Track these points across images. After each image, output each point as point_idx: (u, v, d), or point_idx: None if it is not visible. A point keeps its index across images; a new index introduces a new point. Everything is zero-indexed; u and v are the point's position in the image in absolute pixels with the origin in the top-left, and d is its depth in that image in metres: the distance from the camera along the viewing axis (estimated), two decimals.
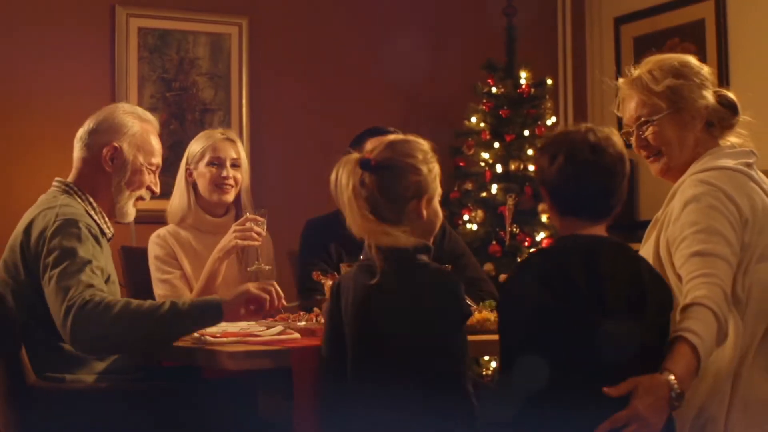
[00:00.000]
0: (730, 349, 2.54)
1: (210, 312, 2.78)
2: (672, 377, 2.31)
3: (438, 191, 2.55)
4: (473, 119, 5.64)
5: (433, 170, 2.52)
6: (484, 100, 5.64)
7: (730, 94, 2.81)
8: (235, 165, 3.78)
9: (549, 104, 5.70)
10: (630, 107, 2.82)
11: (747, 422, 2.54)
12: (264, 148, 5.51)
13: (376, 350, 2.44)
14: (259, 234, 3.58)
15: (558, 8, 6.43)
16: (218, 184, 3.74)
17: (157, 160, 3.23)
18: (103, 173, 3.15)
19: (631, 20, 6.24)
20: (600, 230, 2.48)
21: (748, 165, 2.72)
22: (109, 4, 5.24)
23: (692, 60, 2.83)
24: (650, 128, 2.77)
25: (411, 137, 2.56)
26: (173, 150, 5.20)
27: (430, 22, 6.00)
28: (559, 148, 2.44)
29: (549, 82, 5.72)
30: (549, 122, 5.64)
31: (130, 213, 3.21)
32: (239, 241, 3.55)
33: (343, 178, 2.49)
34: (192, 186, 3.80)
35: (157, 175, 3.25)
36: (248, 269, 3.64)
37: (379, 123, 5.59)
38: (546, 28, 6.38)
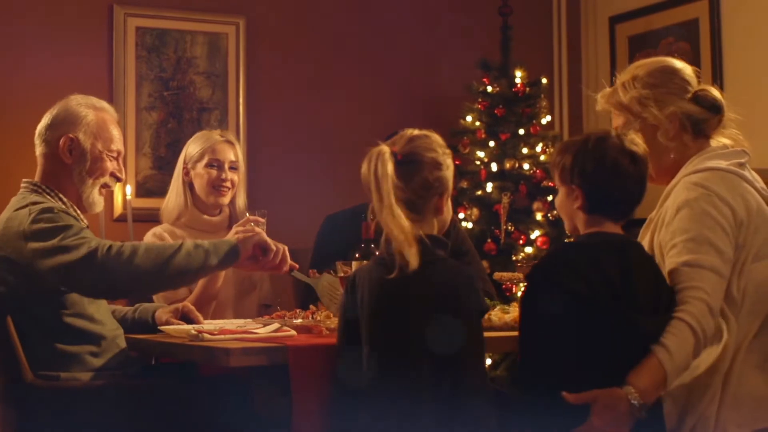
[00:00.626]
0: (724, 348, 2.57)
1: (229, 250, 2.90)
2: (632, 389, 2.36)
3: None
4: (468, 118, 5.67)
5: (450, 166, 2.57)
6: (480, 99, 5.67)
7: (713, 92, 2.80)
8: (233, 168, 3.82)
9: (544, 103, 5.72)
10: (612, 119, 2.87)
11: (739, 419, 2.56)
12: (260, 147, 5.54)
13: (393, 345, 2.46)
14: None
15: (553, 7, 6.46)
16: (216, 186, 3.78)
17: (117, 146, 3.22)
18: (65, 166, 3.15)
19: (626, 19, 6.27)
20: (619, 228, 2.56)
21: (741, 165, 2.72)
22: (107, 3, 5.27)
23: (669, 64, 2.83)
24: None
25: (427, 132, 2.59)
26: (170, 149, 5.25)
27: (426, 22, 6.03)
28: (604, 154, 2.50)
29: (544, 81, 5.75)
30: (544, 121, 5.67)
31: (97, 202, 3.22)
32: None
33: (380, 167, 2.47)
34: (188, 185, 3.83)
35: (120, 162, 3.25)
36: None
37: (374, 121, 5.65)
38: (541, 28, 6.40)
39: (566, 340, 2.38)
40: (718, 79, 5.67)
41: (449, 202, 2.60)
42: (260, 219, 3.63)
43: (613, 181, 2.50)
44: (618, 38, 6.32)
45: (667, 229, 2.65)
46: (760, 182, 2.75)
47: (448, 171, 2.56)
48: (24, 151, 4.91)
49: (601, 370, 2.39)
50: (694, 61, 5.83)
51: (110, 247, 2.84)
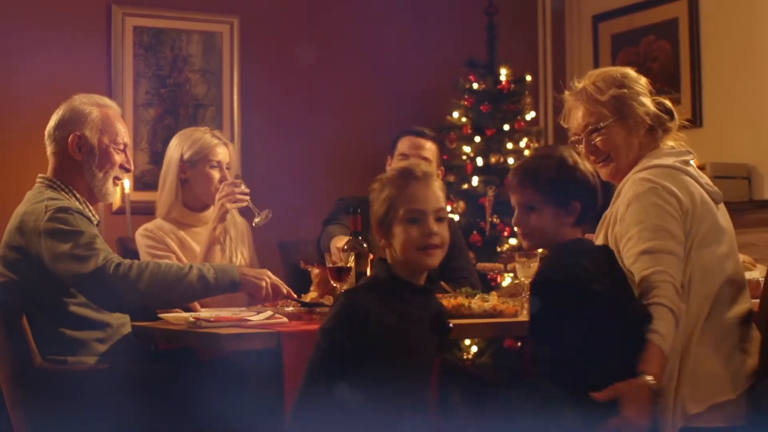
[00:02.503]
0: (678, 330, 2.75)
1: (229, 286, 3.09)
2: (650, 378, 2.56)
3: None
4: (455, 114, 5.81)
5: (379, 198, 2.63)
6: (466, 96, 5.80)
7: (667, 102, 3.00)
8: (228, 168, 3.93)
9: (528, 100, 5.86)
10: (577, 117, 3.00)
11: (695, 396, 2.73)
12: (254, 142, 5.64)
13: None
14: (243, 193, 3.76)
15: (538, 6, 6.58)
16: (218, 187, 3.89)
17: (123, 139, 3.34)
18: (75, 162, 3.27)
19: (609, 18, 6.39)
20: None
21: (685, 162, 2.91)
22: (105, 3, 5.38)
23: (631, 71, 3.01)
24: (599, 135, 2.95)
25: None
26: (167, 144, 5.33)
27: (414, 21, 6.13)
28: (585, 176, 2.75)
29: (528, 78, 5.88)
30: (528, 117, 5.80)
31: (111, 192, 3.34)
32: (229, 205, 3.74)
33: None
34: (181, 182, 3.94)
35: (127, 154, 3.37)
36: (254, 223, 3.81)
37: (365, 117, 5.79)
38: (526, 26, 6.52)
39: (584, 334, 2.57)
40: (696, 76, 5.82)
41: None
42: (236, 181, 3.79)
43: (594, 194, 2.76)
44: (601, 36, 6.43)
45: (621, 223, 2.82)
46: (704, 178, 2.94)
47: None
48: (23, 151, 5.02)
49: (614, 359, 2.59)
50: (673, 58, 5.99)
51: (118, 265, 2.98)
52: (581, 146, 3.00)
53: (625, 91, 2.94)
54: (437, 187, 2.61)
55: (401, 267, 2.58)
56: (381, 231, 2.61)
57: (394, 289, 2.57)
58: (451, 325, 2.70)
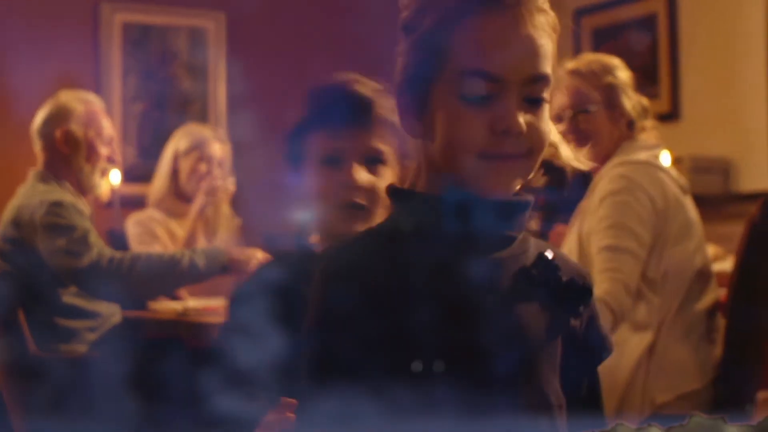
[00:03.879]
0: (647, 325, 2.82)
1: (220, 271, 3.21)
2: None
3: None
4: None
5: None
6: None
7: (644, 100, 3.05)
8: (221, 165, 4.03)
9: None
10: (564, 94, 2.96)
11: (664, 385, 2.81)
12: (241, 137, 5.73)
13: None
14: (224, 186, 3.88)
15: None
16: (203, 179, 3.98)
17: (109, 132, 3.46)
18: (63, 157, 3.37)
19: (591, 12, 6.47)
20: None
21: (656, 156, 2.98)
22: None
23: (621, 63, 3.04)
24: (585, 117, 2.96)
25: None
26: (155, 138, 5.42)
27: (400, 15, 6.23)
28: None
29: None
30: None
31: (98, 185, 3.44)
32: (210, 197, 3.87)
33: None
34: (174, 174, 4.05)
35: (113, 147, 3.48)
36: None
37: None
38: None
39: None
40: (675, 71, 5.92)
41: None
42: (217, 173, 3.89)
43: None
44: (582, 30, 6.51)
45: (592, 217, 2.88)
46: (671, 173, 3.00)
47: None
48: (12, 147, 5.05)
49: None
50: (652, 53, 6.08)
51: (111, 259, 3.10)
52: (560, 125, 2.97)
53: (619, 82, 2.97)
54: (538, 27, 1.38)
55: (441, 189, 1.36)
56: (411, 112, 1.41)
57: (438, 223, 1.35)
58: (583, 283, 1.42)
